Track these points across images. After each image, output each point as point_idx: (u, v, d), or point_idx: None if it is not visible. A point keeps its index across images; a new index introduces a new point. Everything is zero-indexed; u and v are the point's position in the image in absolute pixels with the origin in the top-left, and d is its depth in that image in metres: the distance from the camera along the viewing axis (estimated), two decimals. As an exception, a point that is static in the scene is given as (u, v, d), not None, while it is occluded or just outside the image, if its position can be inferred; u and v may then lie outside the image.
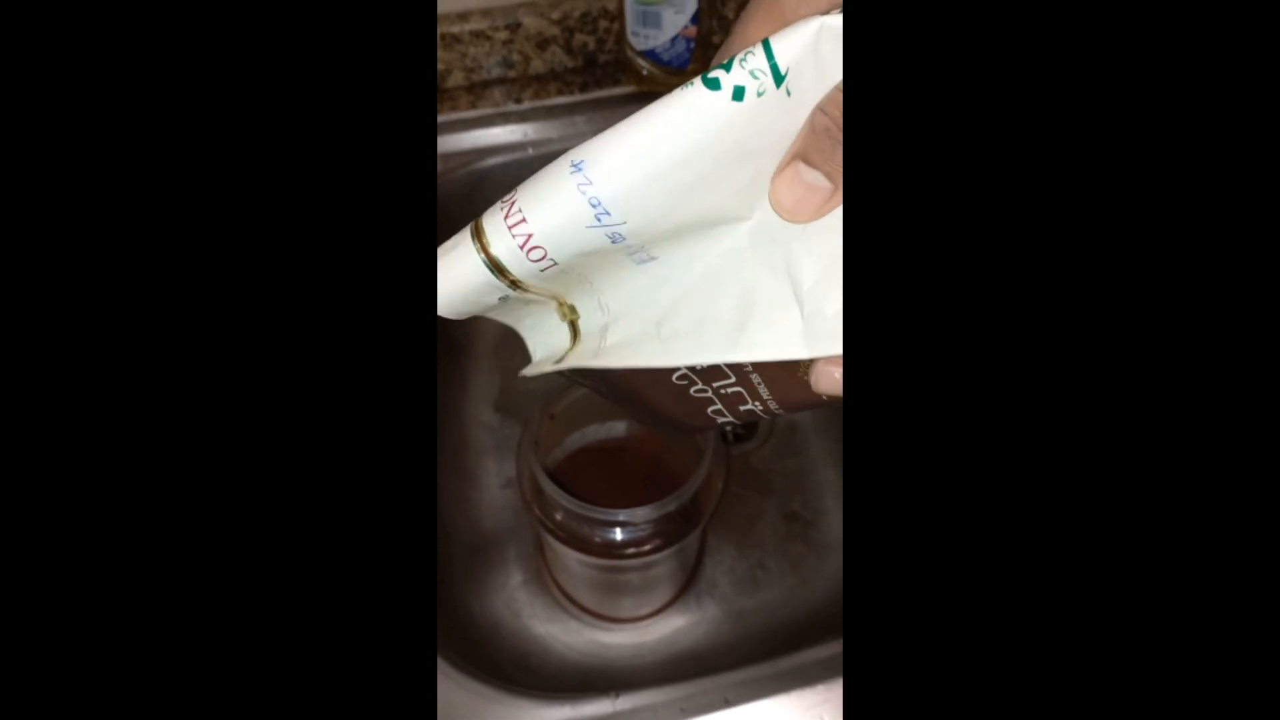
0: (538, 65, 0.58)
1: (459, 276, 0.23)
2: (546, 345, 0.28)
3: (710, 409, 0.27)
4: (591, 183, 0.21)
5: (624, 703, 0.35)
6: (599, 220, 0.21)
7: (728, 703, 0.34)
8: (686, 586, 0.49)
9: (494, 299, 0.24)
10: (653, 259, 0.24)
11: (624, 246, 0.23)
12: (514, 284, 0.23)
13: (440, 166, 0.55)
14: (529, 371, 0.29)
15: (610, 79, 0.59)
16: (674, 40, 0.54)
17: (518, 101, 0.57)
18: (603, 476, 0.44)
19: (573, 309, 0.27)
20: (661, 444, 0.44)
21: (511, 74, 0.58)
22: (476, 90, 0.58)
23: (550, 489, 0.38)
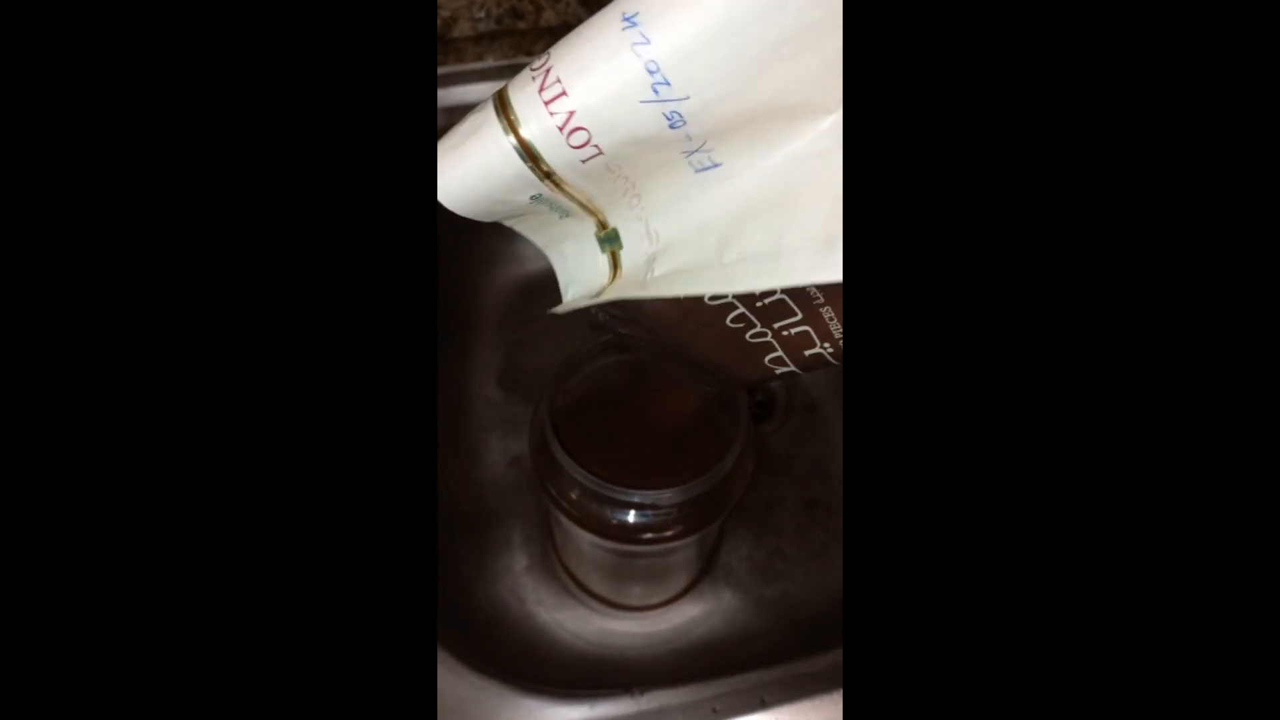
0: (550, 17, 0.55)
1: (482, 164, 0.19)
2: (580, 280, 0.24)
3: (769, 357, 0.23)
4: (649, 41, 0.17)
5: (648, 701, 0.32)
6: (655, 92, 0.17)
7: (764, 704, 0.31)
8: (702, 574, 0.46)
9: (523, 198, 0.20)
10: (715, 165, 0.20)
11: (681, 137, 0.19)
12: (547, 176, 0.19)
13: (442, 121, 0.51)
14: (561, 309, 0.25)
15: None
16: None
17: (528, 54, 0.54)
18: (619, 455, 0.41)
19: (615, 234, 0.23)
20: (685, 422, 0.41)
21: (522, 25, 0.54)
22: (484, 42, 0.54)
23: (568, 464, 0.34)
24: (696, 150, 0.19)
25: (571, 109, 0.18)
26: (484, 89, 0.52)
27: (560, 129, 0.18)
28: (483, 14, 0.54)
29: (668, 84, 0.17)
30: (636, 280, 0.23)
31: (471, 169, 0.19)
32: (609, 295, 0.23)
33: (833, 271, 0.20)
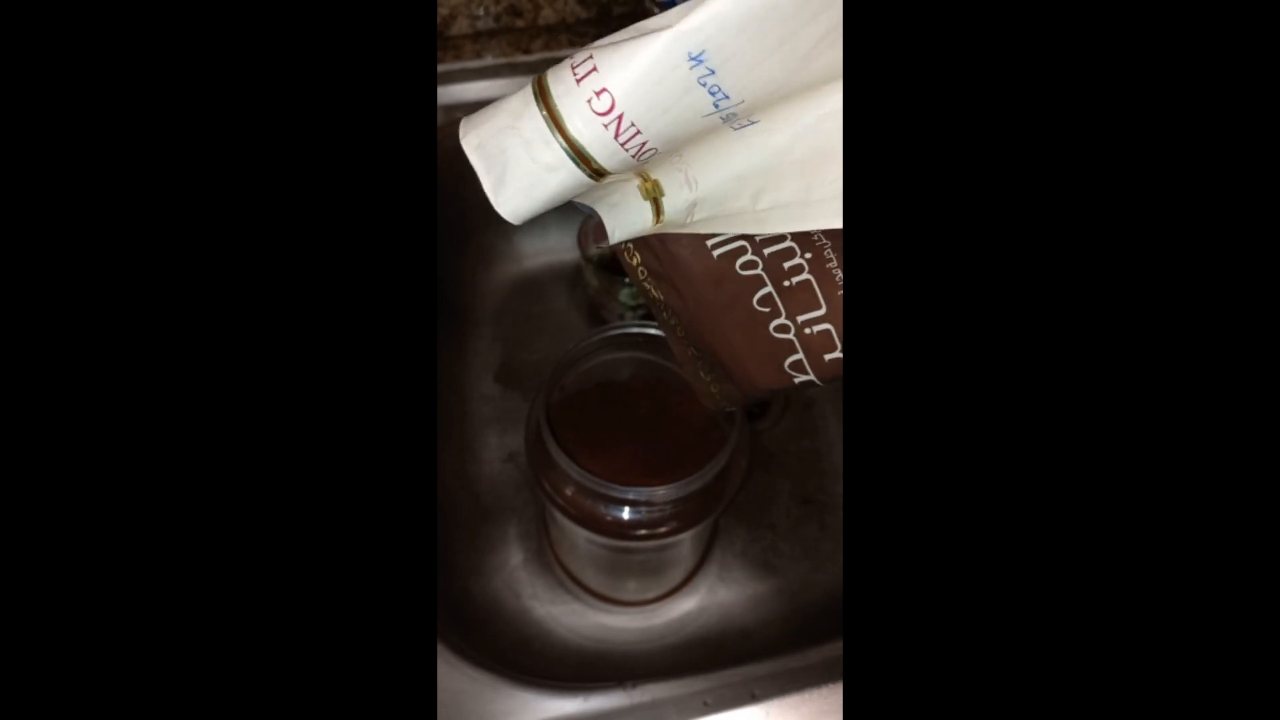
0: (548, 15, 0.55)
1: (550, 186, 0.20)
2: (626, 225, 0.25)
3: (789, 360, 0.24)
4: (715, 72, 0.18)
5: (640, 694, 0.32)
6: (717, 107, 0.19)
7: (754, 698, 0.32)
8: (697, 569, 0.47)
9: (574, 192, 0.22)
10: (752, 122, 0.21)
11: (728, 115, 0.20)
12: (598, 173, 0.20)
13: (441, 119, 0.51)
14: (609, 244, 0.27)
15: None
16: (696, -10, 0.51)
17: (526, 52, 0.54)
18: (614, 452, 0.41)
19: (657, 185, 0.24)
20: (681, 419, 0.42)
21: (520, 23, 0.55)
22: (482, 40, 0.54)
23: (563, 462, 0.35)
24: (736, 115, 0.21)
25: (644, 142, 0.19)
26: (482, 86, 0.52)
27: (634, 157, 0.19)
28: (481, 11, 0.54)
29: (727, 98, 0.19)
30: (677, 223, 0.24)
31: (539, 190, 0.20)
32: (653, 232, 0.25)
33: None
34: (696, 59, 0.18)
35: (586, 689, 0.33)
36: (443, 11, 0.53)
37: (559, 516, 0.38)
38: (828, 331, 0.23)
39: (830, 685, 0.32)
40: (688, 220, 0.24)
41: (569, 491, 0.37)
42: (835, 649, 0.34)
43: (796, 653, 0.34)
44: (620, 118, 0.19)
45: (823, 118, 0.21)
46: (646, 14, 0.54)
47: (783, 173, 0.22)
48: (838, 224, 0.22)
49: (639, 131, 0.19)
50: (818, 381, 0.24)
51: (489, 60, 0.53)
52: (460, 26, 0.54)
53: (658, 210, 0.24)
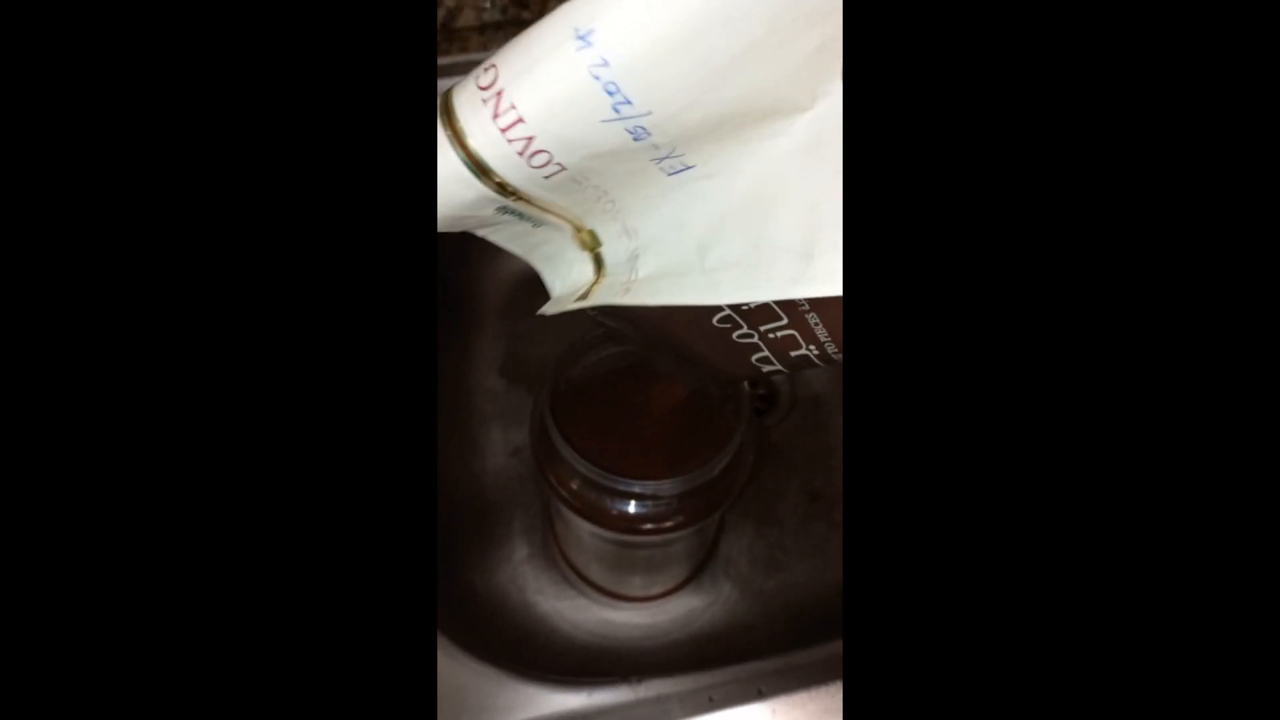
0: (554, 7, 0.55)
1: (441, 184, 0.18)
2: (566, 280, 0.24)
3: (755, 356, 0.23)
4: (608, 63, 0.16)
5: (645, 690, 0.32)
6: (617, 111, 0.17)
7: (760, 694, 0.31)
8: (702, 565, 0.46)
9: (488, 211, 0.20)
10: (687, 167, 0.19)
11: (648, 146, 0.18)
12: (511, 193, 0.19)
13: (448, 112, 0.51)
14: (548, 310, 0.25)
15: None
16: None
17: (532, 45, 0.54)
18: (620, 445, 0.41)
19: (593, 235, 0.22)
20: (687, 413, 0.41)
21: (526, 15, 0.54)
22: (488, 32, 0.54)
23: (569, 454, 0.35)
24: (666, 156, 0.19)
25: (530, 135, 0.17)
26: (488, 79, 0.52)
27: (521, 154, 0.17)
28: (487, 4, 0.53)
29: (629, 103, 0.17)
30: (620, 283, 0.22)
31: (446, 205, 0.19)
32: (594, 299, 0.23)
33: (810, 286, 0.19)
34: (584, 38, 0.16)
35: (591, 683, 0.32)
36: (449, 4, 0.53)
37: (564, 510, 0.38)
38: (791, 335, 0.21)
39: (837, 683, 0.32)
40: (632, 276, 0.22)
41: (574, 485, 0.37)
42: (841, 645, 0.34)
43: (803, 649, 0.33)
44: (530, 139, 0.17)
45: (761, 158, 0.19)
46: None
47: (726, 223, 0.20)
48: (793, 294, 0.20)
49: (545, 150, 0.17)
50: (786, 371, 0.23)
51: (494, 53, 0.53)
52: (466, 19, 0.54)
53: (598, 262, 0.23)
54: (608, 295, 0.23)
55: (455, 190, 0.19)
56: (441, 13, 0.54)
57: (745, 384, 0.38)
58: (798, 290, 0.19)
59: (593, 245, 0.23)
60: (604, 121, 0.17)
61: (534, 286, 0.56)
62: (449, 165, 0.18)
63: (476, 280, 0.56)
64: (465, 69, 0.55)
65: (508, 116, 0.17)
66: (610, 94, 0.16)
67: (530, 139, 0.18)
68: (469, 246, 0.56)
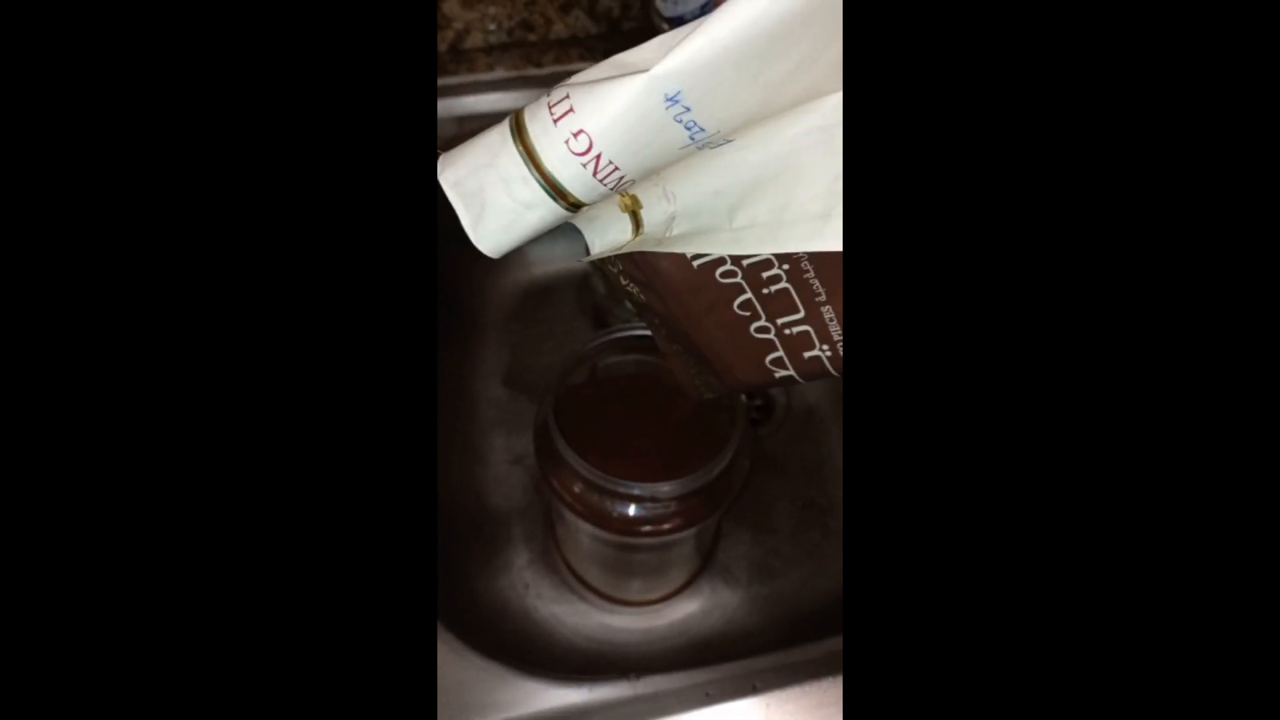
0: (560, 29, 0.56)
1: (528, 222, 0.21)
2: (604, 238, 0.26)
3: (770, 357, 0.24)
4: (690, 109, 0.19)
5: (644, 686, 0.33)
6: (693, 139, 0.19)
7: (755, 690, 0.32)
8: (700, 571, 0.47)
9: (553, 224, 0.22)
10: (727, 141, 0.22)
11: (701, 140, 0.21)
12: (575, 206, 0.21)
13: (454, 130, 0.53)
14: (589, 258, 0.27)
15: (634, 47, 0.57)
16: (704, 7, 0.52)
17: (538, 66, 0.55)
18: (621, 450, 0.42)
19: (635, 199, 0.24)
20: (686, 419, 0.43)
21: (532, 37, 0.56)
22: (495, 53, 0.56)
23: (570, 458, 0.36)
24: (713, 143, 0.21)
25: (622, 176, 0.20)
26: (494, 99, 0.54)
27: (611, 189, 0.20)
28: (494, 25, 0.55)
29: (703, 130, 0.19)
30: (654, 238, 0.24)
31: (518, 226, 0.21)
32: (630, 248, 0.25)
33: (826, 242, 0.22)
34: (673, 99, 0.19)
35: (591, 680, 0.33)
36: (457, 25, 0.55)
37: (566, 514, 0.39)
38: (806, 333, 0.23)
39: (830, 678, 0.33)
40: (666, 234, 0.24)
41: (576, 488, 0.38)
42: (836, 643, 0.35)
43: (797, 646, 0.34)
44: (598, 157, 0.19)
45: (795, 137, 0.21)
46: (655, 31, 0.55)
47: (757, 190, 0.22)
48: (809, 247, 0.22)
49: (617, 168, 0.20)
50: (797, 378, 0.25)
51: (501, 73, 0.55)
52: (474, 40, 0.55)
53: (637, 223, 0.25)
54: (642, 246, 0.25)
55: (540, 215, 0.21)
56: (450, 35, 0.55)
57: (741, 394, 0.39)
58: (813, 244, 0.22)
59: (635, 207, 0.24)
60: (681, 149, 0.20)
61: (536, 297, 0.57)
62: (532, 193, 0.20)
63: (481, 292, 0.57)
64: (474, 89, 0.57)
65: (606, 170, 0.20)
66: (688, 129, 0.19)
67: (621, 178, 0.20)
68: (473, 259, 0.57)
